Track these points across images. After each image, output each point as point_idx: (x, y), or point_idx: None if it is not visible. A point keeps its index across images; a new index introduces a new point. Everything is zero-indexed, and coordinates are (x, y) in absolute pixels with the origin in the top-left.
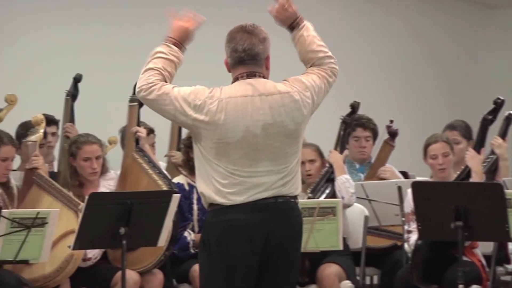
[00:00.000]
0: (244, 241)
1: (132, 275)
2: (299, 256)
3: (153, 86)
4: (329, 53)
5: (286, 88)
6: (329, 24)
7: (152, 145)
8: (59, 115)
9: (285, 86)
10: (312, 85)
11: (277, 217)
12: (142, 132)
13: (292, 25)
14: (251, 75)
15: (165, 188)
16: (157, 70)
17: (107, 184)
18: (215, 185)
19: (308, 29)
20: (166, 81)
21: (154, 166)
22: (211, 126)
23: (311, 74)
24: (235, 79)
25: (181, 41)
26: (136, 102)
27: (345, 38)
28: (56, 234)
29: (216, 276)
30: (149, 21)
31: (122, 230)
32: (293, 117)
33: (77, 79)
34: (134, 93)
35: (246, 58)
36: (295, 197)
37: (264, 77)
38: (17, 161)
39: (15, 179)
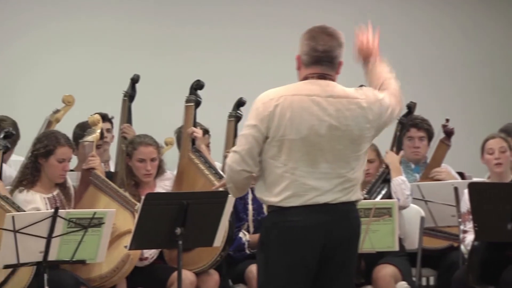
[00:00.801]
0: (304, 242)
1: (188, 276)
2: (356, 257)
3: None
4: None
5: (355, 94)
6: (381, 24)
7: (208, 146)
8: (117, 115)
9: (355, 92)
10: (384, 102)
11: (336, 219)
12: (198, 132)
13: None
14: (322, 77)
15: (221, 188)
16: None
17: (163, 185)
18: (273, 186)
19: (381, 65)
20: None
21: (210, 167)
22: (276, 123)
23: (386, 93)
24: (304, 78)
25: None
26: (193, 102)
27: (398, 39)
28: (112, 234)
29: (274, 277)
30: (203, 21)
31: (178, 231)
32: (358, 123)
33: (134, 80)
34: (190, 93)
35: (324, 59)
36: (355, 201)
37: (333, 81)
38: (73, 162)
39: (72, 180)
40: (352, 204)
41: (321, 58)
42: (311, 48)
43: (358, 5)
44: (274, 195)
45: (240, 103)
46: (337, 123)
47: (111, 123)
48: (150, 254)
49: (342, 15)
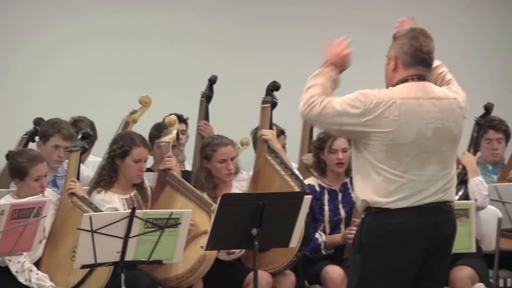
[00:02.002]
0: (409, 244)
1: (264, 276)
2: (450, 257)
3: (314, 101)
4: None
5: (453, 95)
6: (454, 26)
7: (283, 147)
8: (194, 116)
9: (451, 92)
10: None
11: (440, 219)
12: (267, 133)
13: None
14: (421, 78)
15: (297, 189)
16: (316, 85)
17: (240, 185)
18: (381, 189)
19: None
20: (326, 95)
21: (287, 167)
22: (385, 128)
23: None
24: (404, 80)
25: (337, 66)
26: (269, 103)
27: (471, 42)
28: (189, 234)
29: (374, 279)
30: (280, 21)
31: (254, 231)
32: (458, 123)
33: (212, 81)
34: (266, 94)
35: (427, 61)
36: (452, 201)
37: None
38: (150, 162)
39: (149, 180)
40: (451, 204)
41: (425, 60)
42: (416, 49)
43: (428, 7)
44: (383, 197)
45: None
46: (441, 124)
47: (186, 124)
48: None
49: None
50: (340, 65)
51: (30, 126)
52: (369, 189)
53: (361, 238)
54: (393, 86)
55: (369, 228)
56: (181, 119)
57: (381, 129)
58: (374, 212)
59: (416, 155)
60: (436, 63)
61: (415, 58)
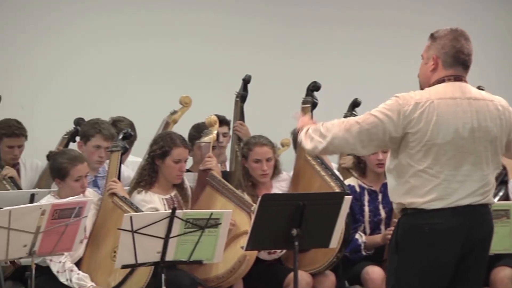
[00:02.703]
0: (444, 245)
1: (304, 276)
2: (487, 260)
3: (325, 137)
4: None
5: (490, 96)
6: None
7: None
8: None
9: (487, 94)
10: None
11: (475, 221)
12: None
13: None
14: (458, 79)
15: (337, 189)
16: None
17: (280, 186)
18: (417, 189)
19: None
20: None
21: (327, 168)
22: (422, 128)
23: None
24: (441, 80)
25: None
26: (309, 103)
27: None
28: (229, 235)
29: (410, 279)
30: (320, 22)
31: (294, 231)
32: (495, 124)
33: (246, 81)
34: (307, 95)
35: (468, 63)
36: (490, 204)
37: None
38: (190, 162)
39: (189, 180)
40: (488, 206)
41: (465, 61)
42: (457, 50)
43: (471, 13)
44: (418, 197)
45: (355, 104)
46: (477, 124)
47: (229, 126)
48: None
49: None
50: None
51: (71, 126)
52: (405, 190)
53: (397, 239)
54: (430, 86)
55: (405, 229)
56: (224, 122)
57: (419, 130)
58: (410, 213)
59: (453, 155)
60: None
61: (456, 59)
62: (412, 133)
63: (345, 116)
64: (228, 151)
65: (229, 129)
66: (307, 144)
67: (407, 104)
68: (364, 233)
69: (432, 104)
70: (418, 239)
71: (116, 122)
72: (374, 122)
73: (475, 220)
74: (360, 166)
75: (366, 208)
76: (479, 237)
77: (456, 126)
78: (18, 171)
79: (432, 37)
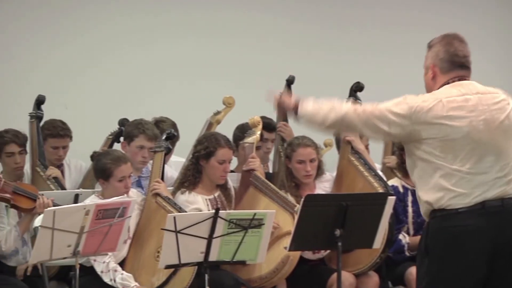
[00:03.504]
0: (471, 247)
1: (347, 277)
2: None
3: (348, 120)
4: None
5: (496, 90)
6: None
7: (366, 148)
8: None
9: (491, 88)
10: None
11: (505, 220)
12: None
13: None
14: (462, 79)
15: (380, 190)
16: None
17: (323, 186)
18: (440, 189)
19: None
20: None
21: (370, 168)
22: (435, 125)
23: None
24: (445, 83)
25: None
26: None
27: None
28: (272, 235)
29: (440, 283)
30: (361, 23)
31: (337, 232)
32: (507, 114)
33: (289, 81)
34: (350, 95)
35: (466, 64)
36: None
37: None
38: (234, 163)
39: (233, 181)
40: None
41: (462, 64)
42: (452, 53)
43: (492, 13)
44: (441, 198)
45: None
46: (490, 116)
47: (275, 131)
48: None
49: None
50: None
51: (114, 126)
52: (430, 188)
53: (427, 242)
54: None
55: (434, 232)
56: (270, 127)
57: (431, 127)
58: (438, 216)
59: (472, 148)
60: None
61: (452, 63)
62: (425, 131)
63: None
64: (271, 152)
65: (276, 134)
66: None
67: (415, 102)
68: (408, 233)
69: (441, 102)
70: (446, 242)
71: (159, 123)
72: (383, 117)
73: (503, 219)
74: (403, 166)
75: (410, 209)
76: (509, 237)
77: (469, 120)
78: (62, 172)
79: (428, 46)
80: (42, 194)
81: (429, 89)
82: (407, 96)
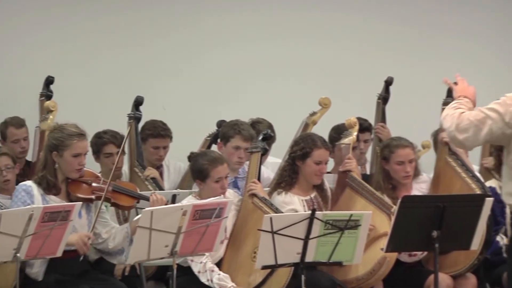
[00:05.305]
0: None
1: (444, 279)
2: None
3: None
4: None
5: None
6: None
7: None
8: (370, 119)
9: None
10: None
11: None
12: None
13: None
14: None
15: (478, 191)
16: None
17: (420, 187)
18: None
19: None
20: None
21: (468, 170)
22: None
23: None
24: None
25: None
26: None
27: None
28: (368, 236)
29: None
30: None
31: (434, 233)
32: None
33: (388, 82)
34: (447, 96)
35: None
36: None
37: None
38: (330, 164)
39: (329, 182)
40: None
41: None
42: None
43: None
44: None
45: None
46: None
47: (370, 132)
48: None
49: None
50: (472, 97)
51: (209, 126)
52: None
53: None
54: None
55: None
56: (367, 128)
57: None
58: None
59: None
60: None
61: None
62: None
63: None
64: (369, 153)
65: (371, 135)
66: (446, 122)
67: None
68: (505, 235)
69: None
70: None
71: (255, 124)
72: (482, 119)
73: None
74: (501, 167)
75: (508, 210)
76: None
77: None
78: (161, 173)
79: None
80: (154, 192)
81: None
82: (509, 96)
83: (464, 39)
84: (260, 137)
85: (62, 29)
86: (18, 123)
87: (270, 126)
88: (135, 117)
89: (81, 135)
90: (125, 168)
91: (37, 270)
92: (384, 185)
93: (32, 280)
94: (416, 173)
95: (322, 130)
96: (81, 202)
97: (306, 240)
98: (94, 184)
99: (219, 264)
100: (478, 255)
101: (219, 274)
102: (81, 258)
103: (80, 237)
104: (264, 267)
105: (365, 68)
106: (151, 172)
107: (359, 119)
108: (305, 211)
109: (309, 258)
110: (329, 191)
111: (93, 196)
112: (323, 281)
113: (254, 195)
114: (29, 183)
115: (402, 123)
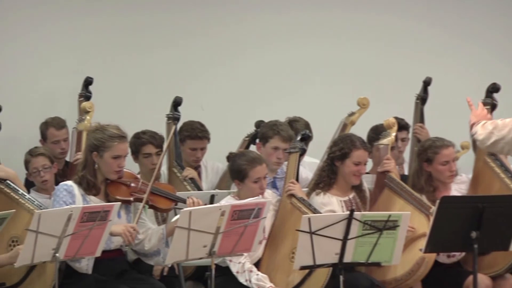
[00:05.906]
0: None
1: (483, 279)
2: None
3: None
4: None
5: None
6: None
7: None
8: (409, 119)
9: None
10: None
11: None
12: None
13: None
14: None
15: None
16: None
17: (459, 188)
18: None
19: None
20: None
21: (507, 170)
22: None
23: None
24: None
25: None
26: (488, 105)
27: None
28: (407, 237)
29: None
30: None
31: (473, 234)
32: None
33: (427, 83)
34: (486, 96)
35: None
36: None
37: None
38: (369, 164)
39: (367, 182)
40: None
41: None
42: None
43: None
44: None
45: (493, 90)
46: None
47: (408, 131)
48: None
49: None
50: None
51: (247, 127)
52: None
53: None
54: None
55: None
56: (404, 127)
57: None
58: None
59: None
60: None
61: None
62: None
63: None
64: (407, 154)
65: (408, 133)
66: (481, 135)
67: None
68: None
69: None
70: None
71: (292, 122)
72: None
73: None
74: None
75: None
76: None
77: None
78: (199, 173)
79: None
80: (189, 196)
81: None
82: None
83: (503, 42)
84: (299, 138)
85: (101, 30)
86: (59, 124)
87: (307, 125)
88: (174, 118)
89: (122, 137)
90: (164, 169)
91: (86, 263)
92: (424, 186)
93: (73, 279)
94: (455, 173)
95: (361, 130)
96: (119, 203)
97: (344, 240)
98: (132, 185)
99: (257, 265)
100: None
101: (257, 274)
102: (126, 248)
103: (126, 226)
104: (302, 268)
105: (404, 68)
106: (189, 172)
107: (395, 118)
108: (343, 212)
109: (347, 258)
110: (367, 191)
111: (131, 198)
112: (361, 282)
113: (292, 195)
114: (70, 183)
115: (440, 124)
